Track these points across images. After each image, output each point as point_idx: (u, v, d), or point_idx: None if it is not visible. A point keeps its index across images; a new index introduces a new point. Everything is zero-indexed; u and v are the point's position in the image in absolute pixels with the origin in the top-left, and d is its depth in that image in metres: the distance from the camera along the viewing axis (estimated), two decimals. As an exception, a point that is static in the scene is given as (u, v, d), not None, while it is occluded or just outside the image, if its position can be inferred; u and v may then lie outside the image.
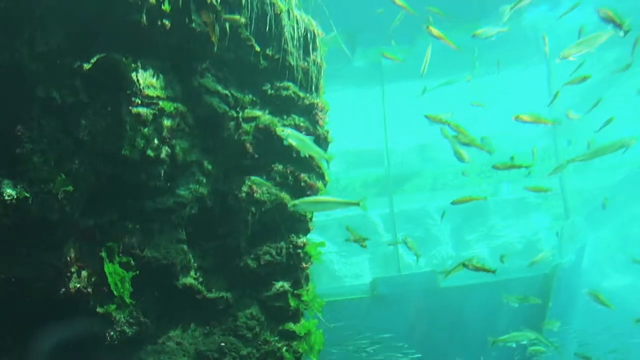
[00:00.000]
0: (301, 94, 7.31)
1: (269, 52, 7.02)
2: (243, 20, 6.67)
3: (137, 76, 5.81)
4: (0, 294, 5.31)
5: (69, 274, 5.48)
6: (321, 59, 7.61)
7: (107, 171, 5.75)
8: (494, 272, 8.83)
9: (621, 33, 7.11)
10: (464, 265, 8.71)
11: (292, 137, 6.45)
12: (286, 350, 7.16)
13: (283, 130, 6.44)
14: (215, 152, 6.81)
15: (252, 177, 6.83)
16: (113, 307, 5.84)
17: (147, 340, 6.36)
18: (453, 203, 9.38)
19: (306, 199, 6.76)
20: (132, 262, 5.95)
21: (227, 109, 6.78)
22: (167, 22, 5.97)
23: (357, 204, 6.59)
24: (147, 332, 6.24)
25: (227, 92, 6.73)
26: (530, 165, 9.09)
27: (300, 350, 7.28)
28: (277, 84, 7.22)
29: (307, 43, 7.38)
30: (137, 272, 5.96)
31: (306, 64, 7.39)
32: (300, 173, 7.34)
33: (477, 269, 8.70)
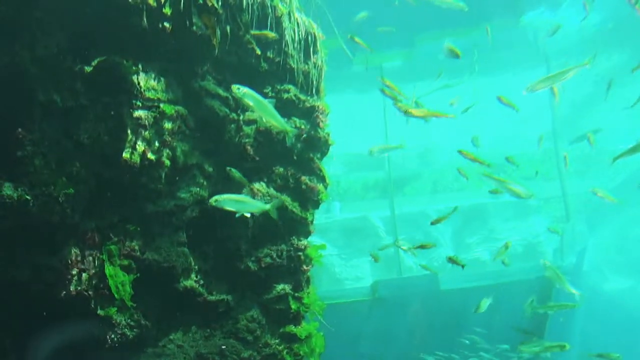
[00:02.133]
0: (302, 97, 7.32)
1: (269, 54, 7.04)
2: (274, 35, 6.74)
3: (137, 79, 5.82)
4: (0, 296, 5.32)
5: (69, 277, 5.48)
6: (322, 61, 7.62)
7: (107, 174, 5.75)
8: (462, 266, 8.90)
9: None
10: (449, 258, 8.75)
11: (248, 97, 5.96)
12: (287, 353, 7.15)
13: (239, 89, 5.92)
14: (216, 154, 6.81)
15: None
16: (114, 309, 5.84)
17: (148, 343, 6.35)
18: (432, 223, 9.54)
19: (227, 195, 6.36)
20: (132, 264, 5.96)
21: (228, 111, 6.78)
22: (168, 25, 5.98)
23: (269, 210, 6.52)
24: (148, 334, 6.24)
25: (228, 94, 6.74)
26: (490, 164, 9.06)
27: (301, 352, 7.27)
28: (278, 87, 7.23)
29: (307, 46, 7.39)
30: (138, 274, 5.96)
31: (307, 66, 7.39)
32: (301, 175, 7.35)
33: (451, 261, 8.72)
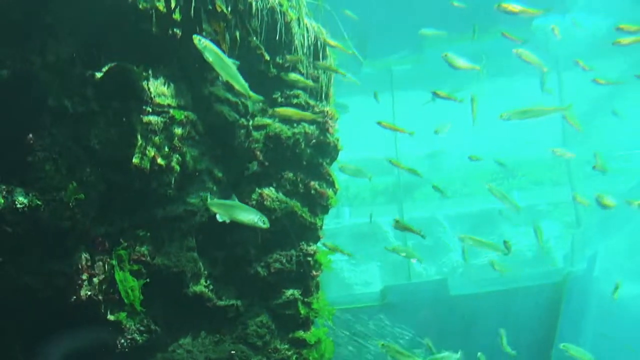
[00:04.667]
0: (311, 102, 7.33)
1: (279, 60, 7.05)
2: (302, 58, 6.80)
3: (148, 85, 5.84)
4: (10, 301, 5.33)
5: (80, 282, 5.49)
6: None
7: (118, 179, 5.77)
8: (423, 236, 8.70)
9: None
10: (396, 222, 8.49)
11: (209, 51, 5.42)
12: (297, 359, 7.14)
13: (200, 40, 5.42)
14: (225, 160, 6.82)
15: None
16: (124, 314, 5.84)
17: (158, 348, 6.35)
18: (395, 226, 9.29)
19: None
20: (142, 269, 5.96)
21: (238, 117, 6.80)
22: (177, 31, 6.00)
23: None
24: (157, 340, 6.24)
25: (237, 100, 6.75)
26: (412, 133, 8.98)
27: (310, 358, 7.25)
28: (287, 92, 7.24)
29: (317, 51, 7.40)
30: (148, 279, 5.97)
31: (316, 72, 7.40)
32: (311, 181, 7.34)
33: (405, 229, 8.53)
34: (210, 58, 5.42)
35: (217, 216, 5.99)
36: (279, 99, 7.18)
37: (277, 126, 7.06)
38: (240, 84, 5.70)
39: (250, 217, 6.04)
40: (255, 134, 6.98)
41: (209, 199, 6.22)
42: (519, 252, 25.96)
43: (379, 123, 8.54)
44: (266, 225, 6.06)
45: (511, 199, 9.16)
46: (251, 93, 5.90)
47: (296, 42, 7.08)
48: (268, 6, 6.74)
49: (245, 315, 6.98)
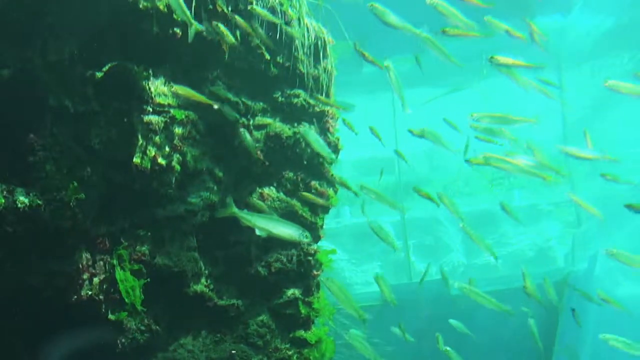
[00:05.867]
0: (312, 102, 7.32)
1: (279, 59, 7.03)
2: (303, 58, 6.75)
3: (148, 84, 5.84)
4: (11, 301, 5.34)
5: (80, 281, 5.50)
6: (332, 66, 7.61)
7: (118, 179, 5.78)
8: (356, 194, 8.67)
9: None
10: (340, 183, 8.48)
11: None
12: (297, 358, 7.14)
13: None
14: (226, 159, 6.82)
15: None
16: (124, 314, 5.85)
17: (158, 348, 6.36)
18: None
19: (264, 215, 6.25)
20: (143, 269, 5.97)
21: (238, 116, 6.79)
22: (178, 31, 5.99)
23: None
24: (158, 339, 6.25)
25: (238, 99, 6.75)
26: (347, 108, 8.86)
27: (311, 357, 7.25)
28: (288, 92, 7.23)
29: (317, 50, 7.39)
30: (148, 279, 5.97)
31: (317, 71, 7.39)
32: (311, 180, 7.34)
33: (345, 186, 8.55)
34: None
35: (257, 231, 5.93)
36: (280, 99, 7.17)
37: (278, 126, 7.06)
38: (182, 10, 5.45)
39: (291, 232, 5.99)
40: (256, 134, 6.98)
41: (245, 213, 6.07)
42: (520, 251, 25.97)
43: (316, 98, 8.23)
44: (308, 240, 6.01)
45: (445, 143, 9.24)
46: (194, 22, 5.60)
47: (296, 41, 7.08)
48: (268, 6, 6.74)
49: (245, 315, 6.98)
